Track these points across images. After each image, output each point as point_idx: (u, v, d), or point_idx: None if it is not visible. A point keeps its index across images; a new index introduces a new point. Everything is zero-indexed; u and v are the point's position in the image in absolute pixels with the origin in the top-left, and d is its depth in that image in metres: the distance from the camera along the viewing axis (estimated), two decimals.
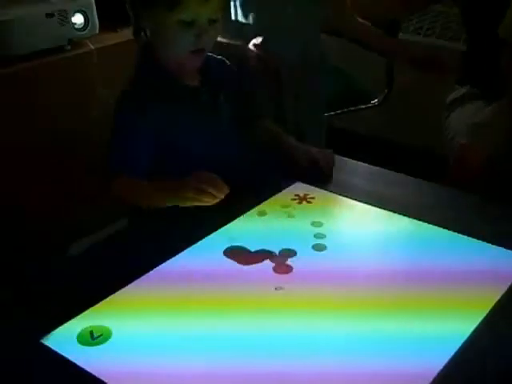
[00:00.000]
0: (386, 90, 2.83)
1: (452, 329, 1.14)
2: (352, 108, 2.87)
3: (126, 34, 2.44)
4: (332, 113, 2.86)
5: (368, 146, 2.92)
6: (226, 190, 1.37)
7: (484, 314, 1.17)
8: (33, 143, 2.28)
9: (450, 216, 1.45)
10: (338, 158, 1.70)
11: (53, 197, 2.39)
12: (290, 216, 1.47)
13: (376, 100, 2.88)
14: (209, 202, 1.36)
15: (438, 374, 1.05)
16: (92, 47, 2.37)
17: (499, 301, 1.20)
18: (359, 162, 1.74)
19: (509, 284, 1.24)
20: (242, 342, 1.12)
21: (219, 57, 1.69)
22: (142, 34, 1.55)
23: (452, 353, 1.09)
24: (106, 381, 1.04)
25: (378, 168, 1.70)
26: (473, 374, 1.07)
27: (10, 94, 2.20)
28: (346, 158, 1.74)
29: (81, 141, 2.36)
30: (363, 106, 2.90)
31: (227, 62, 1.71)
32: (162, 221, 1.40)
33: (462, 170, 1.89)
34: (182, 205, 1.38)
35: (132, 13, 1.54)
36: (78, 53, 2.35)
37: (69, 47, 2.34)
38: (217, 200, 1.37)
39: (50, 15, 2.24)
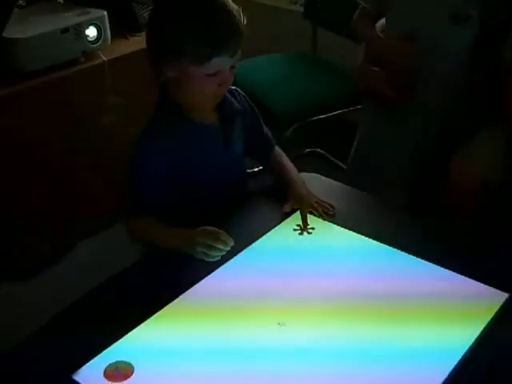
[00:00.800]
0: None
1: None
2: (352, 108, 3.00)
3: (137, 41, 2.58)
4: (330, 114, 3.01)
5: None
6: (232, 243, 1.52)
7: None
8: (48, 149, 2.42)
9: (436, 250, 1.58)
10: (343, 187, 1.86)
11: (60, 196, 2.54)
12: (290, 250, 1.60)
13: None
14: (216, 256, 1.52)
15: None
16: (104, 59, 2.48)
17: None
18: (364, 193, 1.87)
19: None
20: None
21: (232, 87, 1.76)
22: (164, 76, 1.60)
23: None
24: None
25: (381, 201, 1.86)
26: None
27: (26, 108, 2.32)
28: (352, 188, 1.87)
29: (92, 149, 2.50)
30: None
31: (239, 91, 1.80)
32: (174, 257, 1.55)
33: (455, 193, 1.99)
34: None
35: (154, 58, 1.59)
36: (91, 64, 2.46)
37: (83, 59, 2.45)
38: (223, 253, 1.52)
39: (65, 30, 2.35)
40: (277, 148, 1.91)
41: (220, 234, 1.52)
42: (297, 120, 3.01)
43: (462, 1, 2.08)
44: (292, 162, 1.88)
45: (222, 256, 1.55)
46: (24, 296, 2.48)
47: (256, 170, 2.47)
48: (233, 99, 1.75)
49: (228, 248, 1.53)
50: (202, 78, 1.55)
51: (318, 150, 3.59)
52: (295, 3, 3.64)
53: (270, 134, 1.90)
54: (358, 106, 2.94)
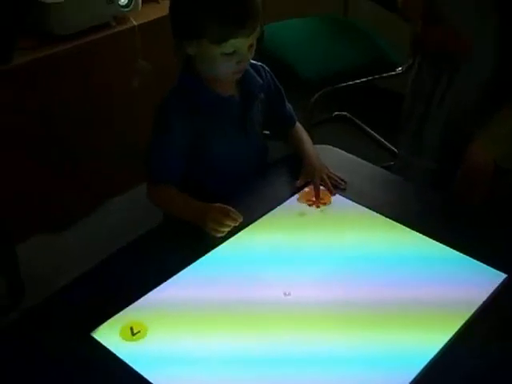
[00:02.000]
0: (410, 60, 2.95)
1: (424, 343, 1.36)
2: (377, 76, 3.03)
3: (168, 5, 2.62)
4: (357, 80, 3.04)
5: None
6: (240, 219, 1.60)
7: (455, 330, 1.39)
8: (76, 112, 2.52)
9: (442, 227, 1.65)
10: (357, 161, 1.91)
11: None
12: (302, 226, 1.68)
13: (400, 68, 3.02)
14: (225, 231, 1.60)
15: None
16: (135, 23, 2.54)
17: (470, 318, 1.42)
18: (380, 168, 1.93)
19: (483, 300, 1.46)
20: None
21: (258, 63, 1.83)
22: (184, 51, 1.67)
23: (422, 366, 1.31)
24: (145, 376, 1.29)
25: (394, 176, 1.92)
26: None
27: (58, 71, 2.41)
28: (367, 163, 1.92)
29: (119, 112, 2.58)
30: (391, 73, 3.05)
31: (266, 67, 1.86)
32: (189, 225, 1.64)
33: (470, 172, 2.02)
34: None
35: (176, 35, 1.67)
36: (122, 29, 2.54)
37: (114, 23, 2.52)
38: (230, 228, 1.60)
39: None
40: (297, 124, 1.96)
41: (230, 211, 1.60)
42: (325, 85, 3.04)
43: None
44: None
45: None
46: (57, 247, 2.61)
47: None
48: (256, 75, 1.81)
49: (237, 224, 1.60)
50: (220, 56, 1.62)
51: (345, 113, 3.63)
52: None
53: (292, 110, 1.96)
54: (392, 73, 3.01)
